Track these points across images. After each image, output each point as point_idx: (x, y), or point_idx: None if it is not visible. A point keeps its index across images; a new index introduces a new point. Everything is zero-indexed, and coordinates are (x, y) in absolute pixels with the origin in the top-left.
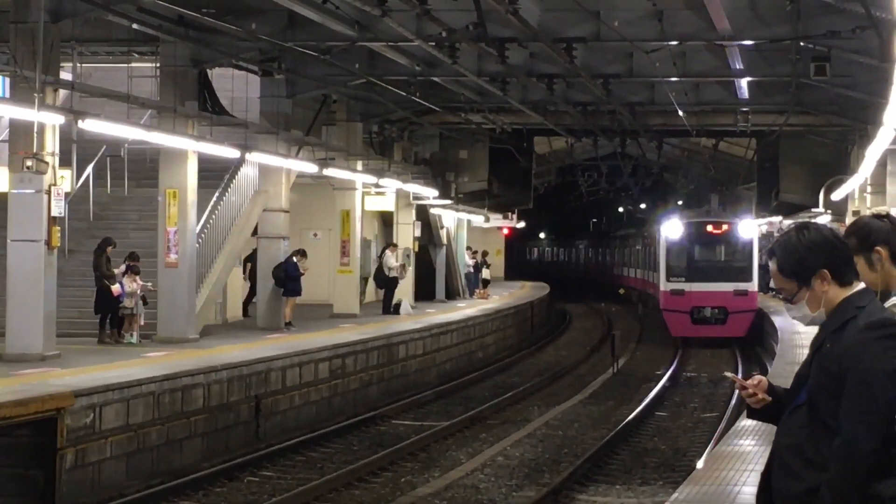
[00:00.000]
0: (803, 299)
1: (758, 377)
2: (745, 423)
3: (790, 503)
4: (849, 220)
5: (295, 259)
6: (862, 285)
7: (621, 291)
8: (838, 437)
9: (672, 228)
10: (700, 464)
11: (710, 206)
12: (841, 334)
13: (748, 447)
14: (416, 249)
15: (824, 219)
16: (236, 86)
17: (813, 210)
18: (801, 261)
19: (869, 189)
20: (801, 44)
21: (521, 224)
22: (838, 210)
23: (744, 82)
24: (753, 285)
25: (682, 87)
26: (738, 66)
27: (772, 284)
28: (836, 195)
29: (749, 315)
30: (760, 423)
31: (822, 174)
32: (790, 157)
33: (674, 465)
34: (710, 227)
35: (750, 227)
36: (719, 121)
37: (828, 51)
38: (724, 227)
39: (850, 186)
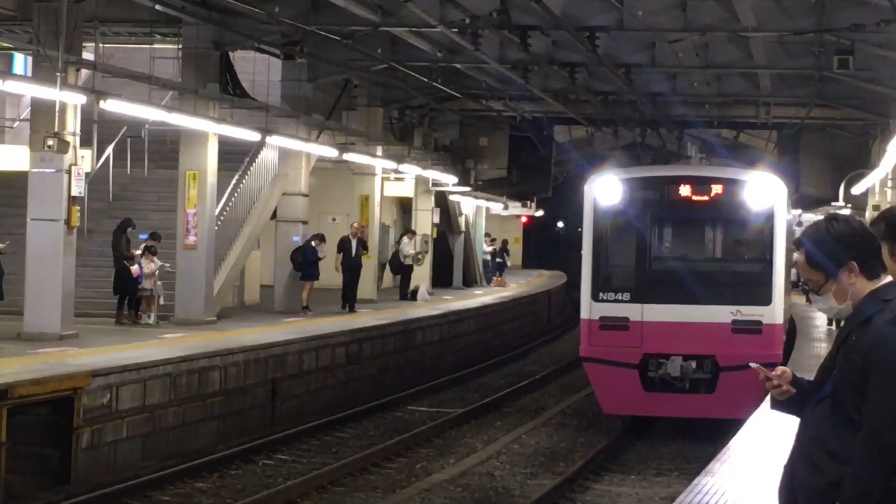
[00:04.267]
0: (830, 291)
1: (781, 368)
2: (768, 414)
3: (813, 496)
4: (868, 214)
5: (313, 243)
6: (889, 278)
7: None
8: (862, 430)
9: (606, 192)
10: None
11: (685, 153)
12: (867, 327)
13: (770, 439)
14: (435, 236)
15: (845, 213)
16: (258, 69)
17: (833, 204)
18: (830, 252)
19: (890, 183)
20: (825, 36)
21: (540, 213)
22: (858, 204)
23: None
24: (775, 310)
25: (704, 77)
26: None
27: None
28: (857, 189)
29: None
30: (783, 414)
31: (842, 168)
32: (811, 150)
33: (690, 456)
34: (683, 189)
35: (768, 190)
36: (740, 112)
37: (851, 44)
38: (714, 188)
39: (870, 181)
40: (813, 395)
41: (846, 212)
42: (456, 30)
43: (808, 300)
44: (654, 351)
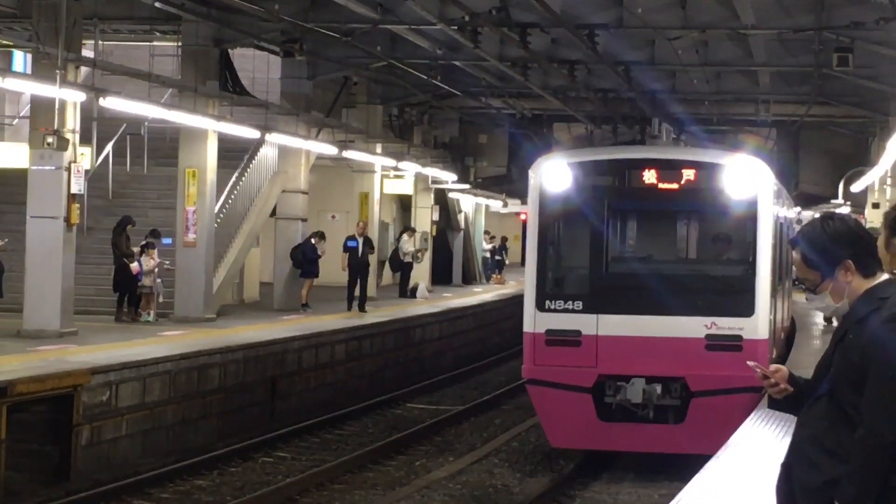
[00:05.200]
0: (826, 290)
1: (777, 366)
2: (765, 412)
3: (810, 494)
4: (868, 212)
5: (313, 241)
6: (885, 276)
7: None
8: (860, 428)
9: (554, 179)
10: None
11: (650, 132)
12: (864, 325)
13: (767, 437)
14: (434, 233)
15: (844, 210)
16: (257, 66)
17: (832, 201)
18: (825, 251)
19: (889, 181)
20: (825, 34)
21: None
22: (858, 202)
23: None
24: (759, 322)
25: (704, 75)
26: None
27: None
28: (856, 187)
29: (742, 401)
30: (781, 413)
31: (841, 165)
32: (810, 147)
33: (688, 455)
34: (648, 175)
35: (751, 176)
36: (740, 110)
37: (851, 41)
38: (685, 174)
39: (869, 178)
40: (810, 394)
41: (846, 209)
42: (455, 27)
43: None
44: (612, 372)
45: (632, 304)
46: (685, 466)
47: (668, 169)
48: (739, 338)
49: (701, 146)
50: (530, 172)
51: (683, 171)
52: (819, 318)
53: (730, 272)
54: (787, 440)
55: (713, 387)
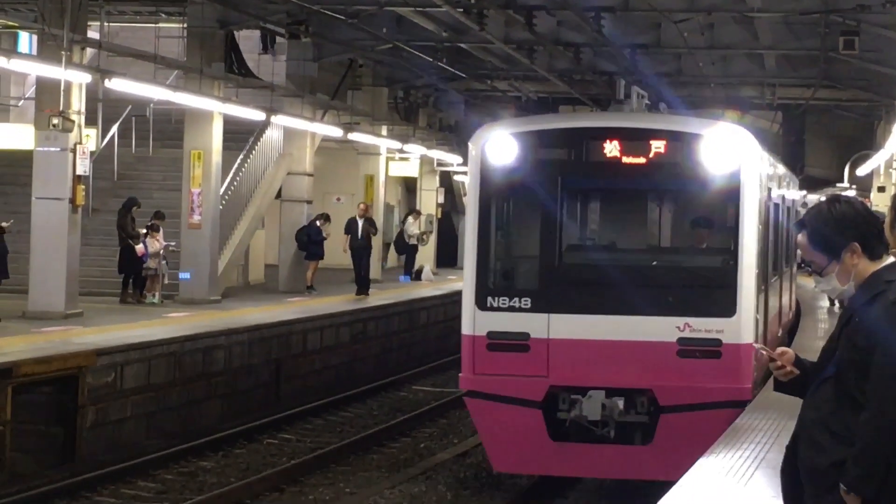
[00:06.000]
0: (833, 272)
1: (783, 348)
2: (770, 395)
3: (816, 476)
4: (873, 195)
5: (318, 223)
6: (891, 259)
7: None
8: (865, 411)
9: (497, 152)
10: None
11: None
12: (870, 308)
13: (771, 420)
14: (439, 216)
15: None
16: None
17: (838, 185)
18: (832, 234)
19: (895, 164)
20: (831, 17)
21: None
22: (863, 185)
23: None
24: (742, 323)
25: (710, 58)
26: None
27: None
28: (862, 170)
29: (721, 418)
30: (785, 395)
31: (847, 149)
32: (816, 131)
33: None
34: (609, 147)
35: (733, 149)
36: (745, 93)
37: (857, 25)
38: (655, 145)
39: (875, 162)
40: (816, 377)
41: (851, 193)
42: (461, 10)
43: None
44: (566, 382)
45: (590, 301)
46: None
47: (634, 139)
48: (718, 342)
49: (675, 113)
50: (470, 144)
51: (652, 142)
52: (824, 301)
53: (707, 263)
54: (792, 423)
55: (686, 400)
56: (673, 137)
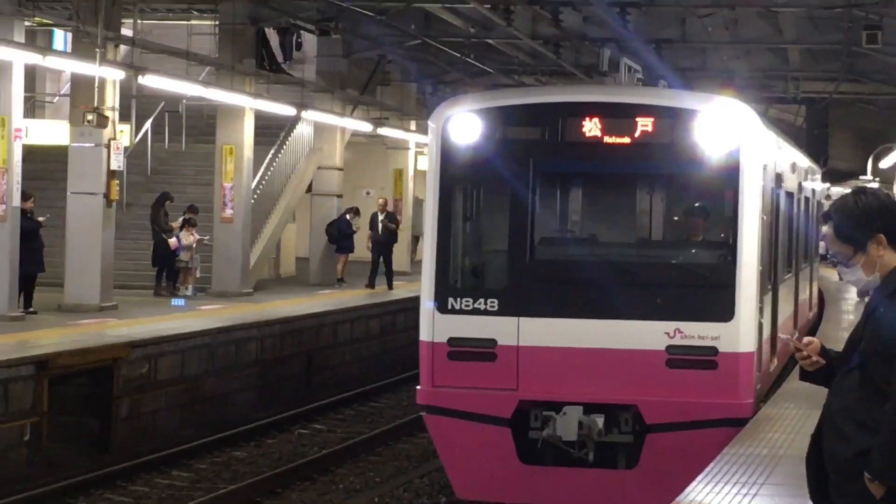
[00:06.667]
0: (858, 263)
1: (810, 338)
2: (796, 385)
3: (840, 466)
4: None
5: (348, 217)
6: None
7: None
8: (890, 401)
9: (460, 132)
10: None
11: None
12: (894, 299)
13: (797, 409)
14: None
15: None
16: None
17: (861, 177)
18: (858, 225)
19: None
20: (854, 11)
21: None
22: (887, 177)
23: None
24: (741, 329)
25: (734, 52)
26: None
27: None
28: (885, 163)
29: (715, 438)
30: (810, 385)
31: (870, 142)
32: (839, 124)
33: None
34: (588, 126)
35: (731, 127)
36: (769, 87)
37: (880, 19)
38: (641, 123)
39: None
40: (841, 366)
41: (874, 185)
42: (488, 6)
43: (840, 277)
44: (538, 397)
45: (566, 303)
46: None
47: (618, 116)
48: (714, 351)
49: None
50: (430, 123)
51: (638, 119)
52: (852, 294)
53: (701, 259)
54: (817, 413)
55: (676, 418)
56: (662, 114)
